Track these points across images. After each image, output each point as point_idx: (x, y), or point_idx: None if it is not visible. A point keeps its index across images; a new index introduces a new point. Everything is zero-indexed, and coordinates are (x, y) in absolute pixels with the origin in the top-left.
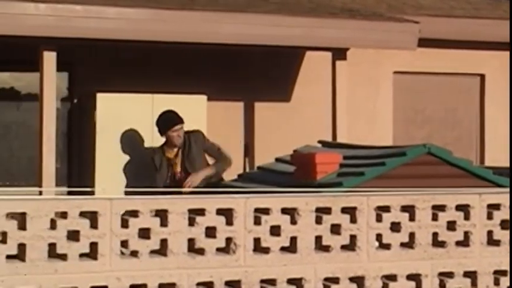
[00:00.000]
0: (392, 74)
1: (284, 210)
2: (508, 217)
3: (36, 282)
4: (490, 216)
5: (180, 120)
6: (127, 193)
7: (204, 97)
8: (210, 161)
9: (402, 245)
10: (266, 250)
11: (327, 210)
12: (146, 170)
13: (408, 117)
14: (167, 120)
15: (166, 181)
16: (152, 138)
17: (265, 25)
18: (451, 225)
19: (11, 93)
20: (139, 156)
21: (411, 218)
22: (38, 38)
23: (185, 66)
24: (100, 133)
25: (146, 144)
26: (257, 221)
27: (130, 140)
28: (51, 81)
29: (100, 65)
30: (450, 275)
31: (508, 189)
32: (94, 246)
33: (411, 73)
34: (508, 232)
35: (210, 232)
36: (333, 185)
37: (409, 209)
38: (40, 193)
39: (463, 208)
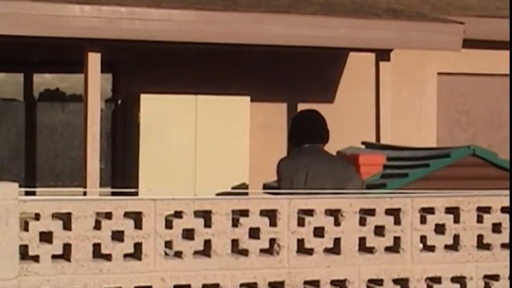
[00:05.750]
0: (436, 75)
1: (328, 212)
2: None
3: (81, 282)
4: None
5: None
6: None
7: (248, 98)
8: None
9: (447, 247)
10: (310, 251)
11: (371, 212)
12: None
13: (452, 118)
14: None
15: None
16: (196, 139)
17: (308, 26)
18: (497, 228)
19: (56, 94)
20: None
21: (456, 220)
22: (83, 40)
23: (229, 68)
24: (143, 134)
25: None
26: (301, 222)
27: None
28: (96, 83)
29: (143, 66)
30: (495, 277)
31: None
32: (138, 246)
33: (456, 74)
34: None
35: (254, 233)
36: (377, 187)
37: (454, 211)
38: (85, 193)
39: (509, 210)
